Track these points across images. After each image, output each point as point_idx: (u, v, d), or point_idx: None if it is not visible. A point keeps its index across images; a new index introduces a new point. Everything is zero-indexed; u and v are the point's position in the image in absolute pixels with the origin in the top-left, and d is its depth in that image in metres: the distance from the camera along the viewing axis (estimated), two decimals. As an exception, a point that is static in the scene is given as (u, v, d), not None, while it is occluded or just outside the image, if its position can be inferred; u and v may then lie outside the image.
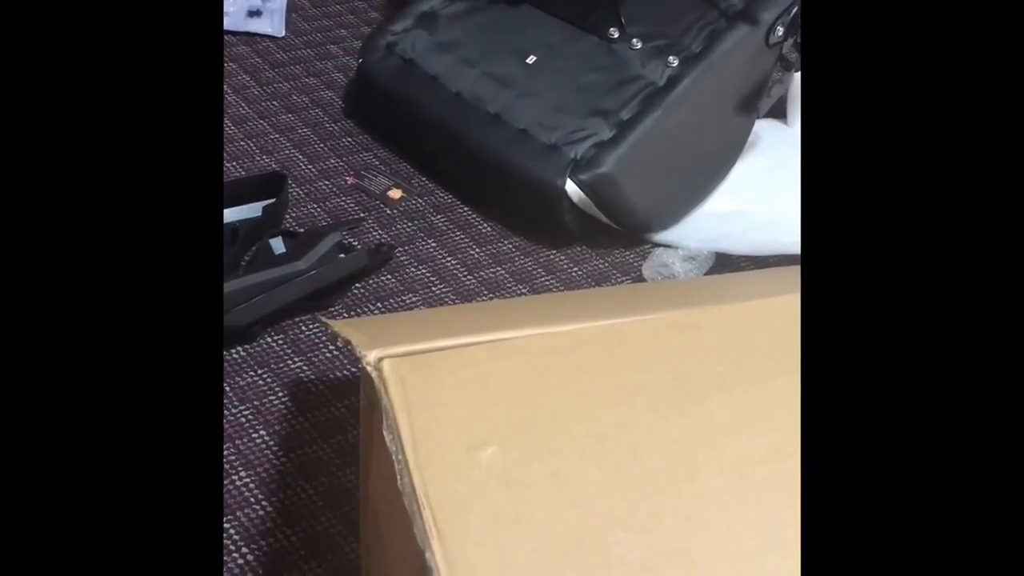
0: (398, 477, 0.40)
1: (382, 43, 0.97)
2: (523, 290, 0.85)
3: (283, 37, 1.13)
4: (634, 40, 0.90)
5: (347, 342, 0.49)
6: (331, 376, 0.75)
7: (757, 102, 0.92)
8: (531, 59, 0.92)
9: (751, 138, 0.93)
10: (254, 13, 1.14)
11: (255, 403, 0.72)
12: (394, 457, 0.41)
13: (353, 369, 0.75)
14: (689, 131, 0.89)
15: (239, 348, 0.76)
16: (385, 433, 0.42)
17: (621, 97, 0.88)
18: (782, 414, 0.46)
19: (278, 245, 0.82)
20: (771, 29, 0.88)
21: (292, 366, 0.75)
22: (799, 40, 0.90)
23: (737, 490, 0.43)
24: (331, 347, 0.77)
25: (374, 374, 0.44)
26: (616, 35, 0.91)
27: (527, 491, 0.41)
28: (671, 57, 0.88)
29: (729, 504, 0.43)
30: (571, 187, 0.85)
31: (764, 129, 0.95)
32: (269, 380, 0.74)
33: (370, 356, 0.45)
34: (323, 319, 0.63)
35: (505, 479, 0.41)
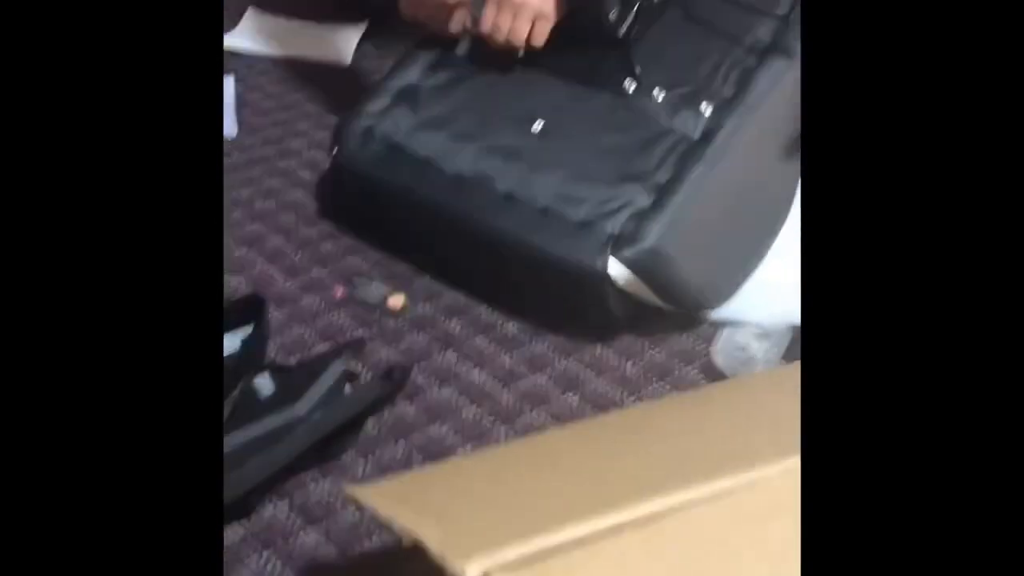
0: None
1: (358, 128, 0.83)
2: (573, 399, 0.70)
3: (236, 138, 0.99)
4: (655, 91, 0.77)
5: (415, 543, 0.33)
6: (357, 548, 0.58)
7: (805, 143, 0.79)
8: (537, 125, 0.78)
9: (802, 185, 0.81)
10: (200, 114, 0.99)
11: (265, 599, 0.55)
12: None
13: (385, 537, 0.58)
14: (736, 186, 0.76)
15: (235, 523, 0.59)
16: None
17: (652, 157, 0.74)
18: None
19: (265, 385, 0.66)
20: (813, 58, 0.76)
21: (306, 540, 0.59)
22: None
23: None
24: (351, 509, 0.60)
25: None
26: (632, 87, 0.78)
27: None
28: (703, 104, 0.76)
29: None
30: (614, 267, 0.70)
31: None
32: (278, 563, 0.57)
33: (471, 572, 0.29)
34: (345, 486, 0.47)
35: None
